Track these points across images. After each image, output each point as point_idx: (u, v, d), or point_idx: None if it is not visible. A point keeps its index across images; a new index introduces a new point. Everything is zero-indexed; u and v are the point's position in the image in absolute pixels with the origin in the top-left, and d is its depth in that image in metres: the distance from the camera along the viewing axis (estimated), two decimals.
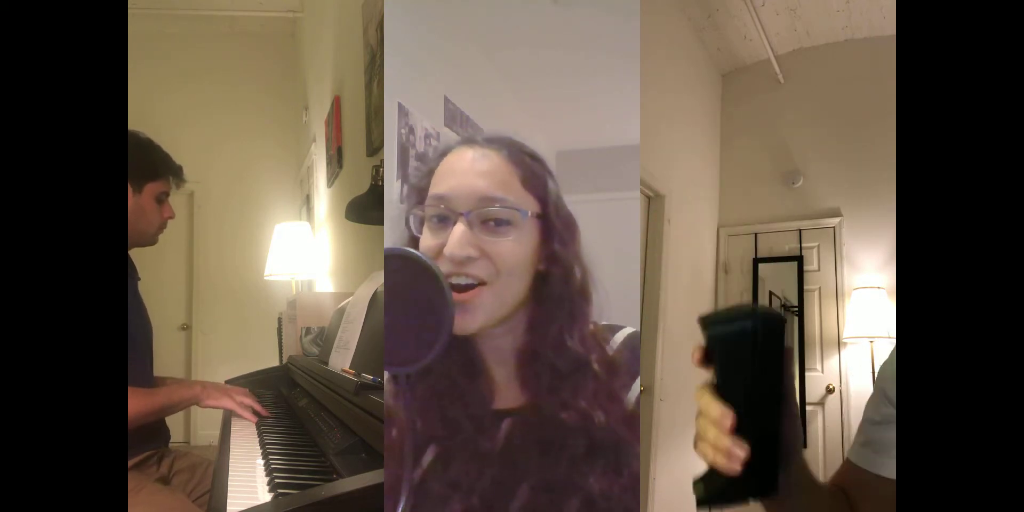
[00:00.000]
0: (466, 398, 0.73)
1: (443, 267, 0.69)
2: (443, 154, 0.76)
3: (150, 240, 1.70)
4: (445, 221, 0.71)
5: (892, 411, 0.74)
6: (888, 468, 0.74)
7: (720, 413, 0.54)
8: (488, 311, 0.70)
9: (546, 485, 0.68)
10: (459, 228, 0.69)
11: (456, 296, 0.68)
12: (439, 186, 0.73)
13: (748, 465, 0.54)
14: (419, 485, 0.71)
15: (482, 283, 0.69)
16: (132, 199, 1.63)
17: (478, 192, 0.71)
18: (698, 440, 0.56)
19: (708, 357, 0.55)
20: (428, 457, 0.72)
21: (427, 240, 0.72)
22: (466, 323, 0.69)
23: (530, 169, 0.74)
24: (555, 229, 0.73)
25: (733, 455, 0.54)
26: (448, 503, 0.70)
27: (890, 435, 0.74)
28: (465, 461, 0.71)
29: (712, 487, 0.57)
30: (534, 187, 0.74)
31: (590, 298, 0.75)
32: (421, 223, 0.74)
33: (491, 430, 0.72)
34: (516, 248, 0.71)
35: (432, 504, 0.70)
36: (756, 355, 0.54)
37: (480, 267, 0.69)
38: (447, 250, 0.69)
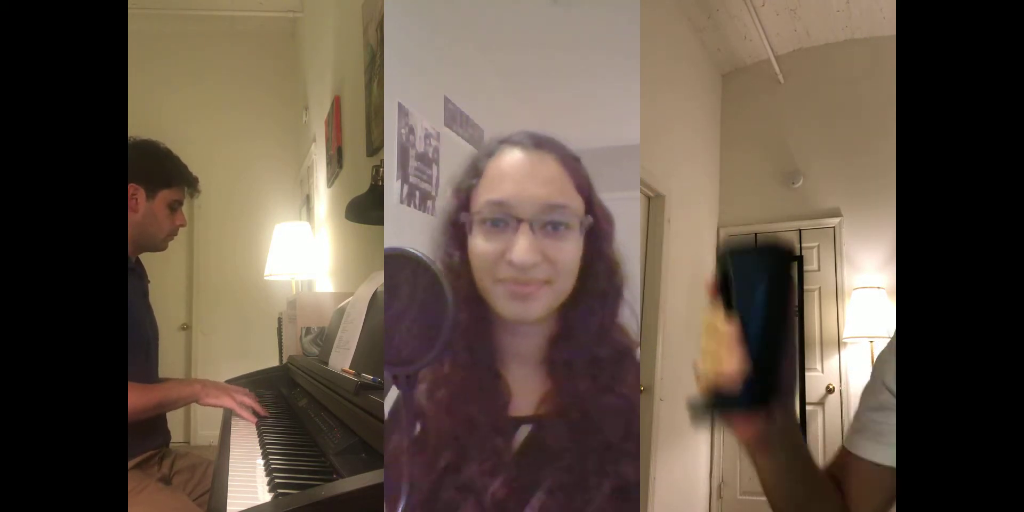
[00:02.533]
0: (482, 403, 0.74)
1: (505, 271, 0.71)
2: (488, 155, 0.76)
3: (159, 245, 1.71)
4: (501, 225, 0.72)
5: (888, 398, 0.75)
6: (881, 454, 0.74)
7: (729, 329, 0.58)
8: (547, 303, 0.72)
9: (562, 489, 0.69)
10: (524, 235, 0.70)
11: (522, 289, 0.71)
12: (496, 191, 0.73)
13: (745, 381, 0.57)
14: (432, 489, 0.71)
15: (545, 281, 0.71)
16: (145, 204, 1.64)
17: (541, 199, 0.71)
18: (702, 356, 0.59)
19: (721, 287, 0.59)
20: (442, 461, 0.73)
21: (483, 244, 0.72)
22: (529, 312, 0.72)
23: (578, 172, 0.76)
24: (600, 227, 0.76)
25: (736, 367, 0.57)
26: (461, 507, 0.70)
27: (885, 422, 0.74)
28: (479, 466, 0.71)
29: (709, 401, 0.59)
30: (583, 190, 0.75)
31: (622, 291, 0.78)
32: (471, 225, 0.74)
33: (506, 437, 0.72)
34: (574, 250, 0.73)
35: (445, 508, 0.70)
36: (769, 281, 0.58)
37: (542, 270, 0.71)
38: (515, 257, 0.70)
